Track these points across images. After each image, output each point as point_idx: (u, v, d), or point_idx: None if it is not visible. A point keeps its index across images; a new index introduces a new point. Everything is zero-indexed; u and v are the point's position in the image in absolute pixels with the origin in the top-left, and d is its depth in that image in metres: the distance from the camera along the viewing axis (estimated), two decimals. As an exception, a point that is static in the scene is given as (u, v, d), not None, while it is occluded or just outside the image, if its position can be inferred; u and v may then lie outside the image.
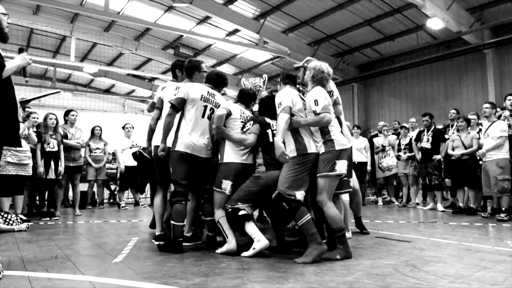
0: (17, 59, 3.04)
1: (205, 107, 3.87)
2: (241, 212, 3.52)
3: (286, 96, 3.58)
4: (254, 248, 3.49)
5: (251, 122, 3.86)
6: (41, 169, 6.24)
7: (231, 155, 3.79)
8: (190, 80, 4.10)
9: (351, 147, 3.74)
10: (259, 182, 3.64)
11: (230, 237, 3.66)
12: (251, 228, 3.54)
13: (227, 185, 3.73)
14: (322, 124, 3.47)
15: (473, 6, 11.05)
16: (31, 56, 3.13)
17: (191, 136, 3.79)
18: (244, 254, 3.52)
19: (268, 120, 3.88)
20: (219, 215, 3.73)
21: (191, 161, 3.80)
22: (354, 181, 4.39)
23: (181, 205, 3.75)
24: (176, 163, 3.78)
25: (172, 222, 3.77)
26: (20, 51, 3.12)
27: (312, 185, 3.53)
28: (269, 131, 3.81)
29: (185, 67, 4.18)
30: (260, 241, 3.48)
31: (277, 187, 3.44)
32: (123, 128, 8.72)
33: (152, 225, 5.02)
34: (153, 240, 4.25)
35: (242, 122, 3.93)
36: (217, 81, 4.10)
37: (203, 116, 3.86)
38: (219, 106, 3.92)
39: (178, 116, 3.86)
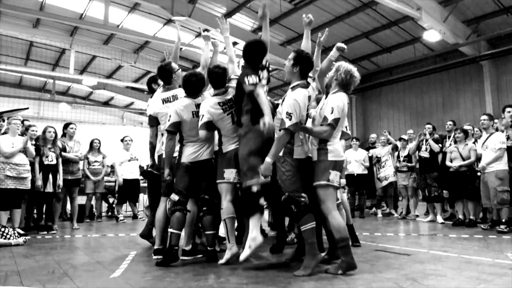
0: None
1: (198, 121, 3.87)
2: (262, 202, 3.52)
3: (297, 105, 3.36)
4: (250, 247, 3.47)
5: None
6: (39, 182, 6.22)
7: (226, 144, 3.85)
8: (170, 85, 4.25)
9: (344, 160, 3.65)
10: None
11: (232, 241, 3.67)
12: (256, 221, 3.52)
13: (230, 173, 3.74)
14: (321, 137, 3.44)
15: (469, 18, 11.17)
16: None
17: (194, 147, 3.89)
18: (241, 257, 3.52)
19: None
20: (227, 214, 3.70)
21: (195, 169, 3.86)
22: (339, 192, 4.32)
23: (181, 213, 3.78)
24: (181, 174, 3.87)
25: (170, 230, 3.78)
26: None
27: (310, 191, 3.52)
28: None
29: (160, 76, 4.30)
30: (256, 239, 3.46)
31: (284, 190, 3.41)
32: (122, 140, 8.71)
33: (144, 235, 4.97)
34: (153, 255, 4.21)
35: (225, 108, 3.82)
36: (196, 87, 4.00)
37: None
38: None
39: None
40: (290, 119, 3.32)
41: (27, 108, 3.35)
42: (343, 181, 4.66)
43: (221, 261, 3.68)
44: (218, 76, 3.91)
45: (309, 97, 3.59)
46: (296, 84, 3.53)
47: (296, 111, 3.34)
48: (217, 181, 3.80)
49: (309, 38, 4.10)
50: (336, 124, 3.40)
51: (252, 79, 3.60)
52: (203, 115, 3.76)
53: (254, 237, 3.46)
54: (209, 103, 3.83)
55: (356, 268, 3.29)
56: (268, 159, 3.35)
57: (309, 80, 3.76)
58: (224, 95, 3.90)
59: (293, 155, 3.46)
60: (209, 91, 4.40)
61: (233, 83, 3.99)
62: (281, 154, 3.44)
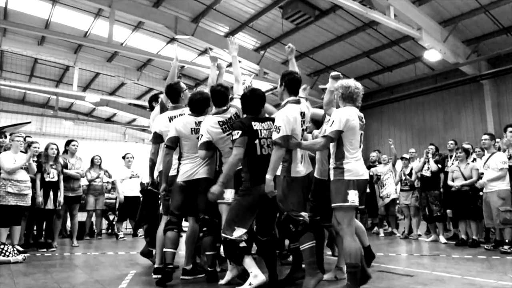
0: None
1: (198, 138, 3.85)
2: (242, 244, 3.44)
3: (285, 118, 3.40)
4: (250, 284, 3.36)
5: (238, 132, 3.54)
6: (40, 199, 6.20)
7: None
8: (177, 104, 4.27)
9: (367, 179, 3.44)
10: (247, 199, 3.51)
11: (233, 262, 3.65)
12: (249, 262, 3.45)
13: (230, 194, 3.71)
14: (313, 149, 3.43)
15: (469, 38, 11.28)
16: None
17: (190, 165, 3.88)
18: None
19: (255, 125, 3.63)
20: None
21: (190, 188, 3.84)
22: None
23: (173, 232, 3.80)
24: (175, 194, 3.88)
25: (164, 249, 3.78)
26: None
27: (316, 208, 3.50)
28: (256, 141, 3.58)
29: (168, 94, 4.30)
30: (257, 276, 3.36)
31: (282, 209, 3.40)
32: (123, 158, 8.72)
33: (145, 253, 4.93)
34: (152, 274, 4.16)
35: (224, 128, 3.81)
36: (200, 105, 4.02)
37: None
38: None
39: (177, 150, 3.96)
40: (278, 132, 3.35)
41: (29, 123, 3.35)
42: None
43: (222, 282, 3.65)
44: (220, 94, 3.91)
45: (303, 113, 3.61)
46: (286, 101, 3.60)
47: (285, 125, 3.37)
48: (218, 201, 3.76)
49: (294, 64, 4.18)
50: (335, 136, 3.29)
51: (235, 135, 3.58)
52: (202, 135, 3.76)
53: (255, 275, 3.37)
54: (209, 122, 3.82)
55: None
56: (267, 176, 3.33)
57: (302, 99, 3.80)
58: (224, 113, 3.89)
59: (291, 173, 3.46)
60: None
61: (235, 102, 4.01)
62: (279, 173, 3.43)
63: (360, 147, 3.42)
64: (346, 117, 3.31)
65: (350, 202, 3.23)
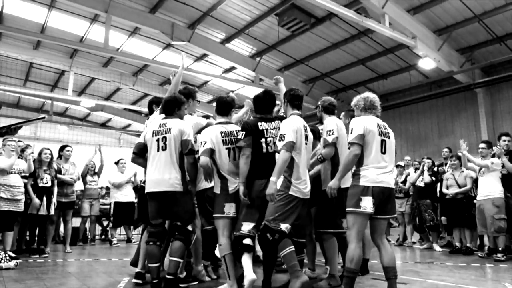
0: None
1: (157, 140, 3.74)
2: (246, 241, 3.47)
3: (290, 127, 3.51)
4: (243, 286, 3.41)
5: (242, 133, 3.66)
6: (36, 200, 6.12)
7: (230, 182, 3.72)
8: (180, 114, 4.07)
9: (387, 187, 3.38)
10: (249, 193, 3.57)
11: (232, 278, 3.54)
12: (246, 260, 3.46)
13: (230, 208, 3.65)
14: (349, 164, 3.42)
15: (463, 47, 11.39)
16: None
17: (153, 174, 3.72)
18: None
19: (262, 125, 3.72)
20: (225, 250, 3.56)
21: (160, 198, 3.68)
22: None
23: (151, 246, 3.67)
24: (148, 204, 3.79)
25: (148, 264, 3.73)
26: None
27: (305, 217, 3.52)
28: (262, 140, 3.66)
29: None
30: (247, 276, 3.38)
31: (264, 218, 3.43)
32: (116, 163, 8.64)
33: (134, 263, 4.83)
34: (133, 278, 4.14)
35: (224, 140, 3.78)
36: (168, 107, 3.91)
37: (158, 150, 3.73)
38: (170, 130, 3.72)
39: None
40: (284, 140, 3.43)
41: (44, 118, 3.22)
42: None
43: None
44: (224, 103, 3.97)
45: (305, 127, 3.72)
46: (291, 114, 3.76)
47: (289, 133, 3.45)
48: (215, 215, 3.69)
49: (282, 91, 4.33)
50: (359, 141, 3.35)
51: (240, 136, 3.69)
52: (205, 142, 3.69)
53: (245, 275, 3.40)
54: (214, 130, 3.80)
55: None
56: (272, 178, 3.37)
57: None
58: (226, 125, 3.88)
59: (289, 190, 3.48)
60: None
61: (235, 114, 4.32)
62: (279, 186, 3.44)
63: (384, 153, 3.41)
64: (364, 123, 3.41)
65: (362, 208, 3.25)
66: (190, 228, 3.73)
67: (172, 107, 3.90)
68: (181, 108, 3.93)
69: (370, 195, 3.25)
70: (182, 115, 3.96)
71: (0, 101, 17.55)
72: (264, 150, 3.63)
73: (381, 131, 3.47)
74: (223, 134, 3.78)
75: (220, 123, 3.89)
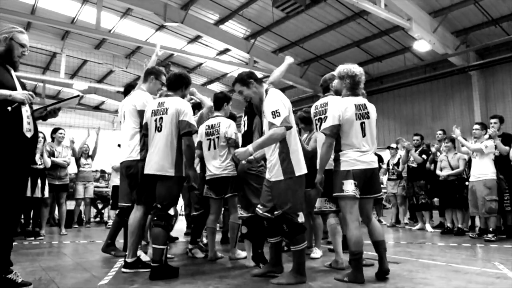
0: (17, 92, 2.98)
1: (155, 121, 3.64)
2: (242, 230, 3.92)
3: (281, 101, 3.29)
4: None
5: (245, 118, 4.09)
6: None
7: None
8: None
9: (369, 168, 3.36)
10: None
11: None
12: (246, 245, 3.67)
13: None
14: (323, 152, 3.41)
15: (458, 29, 11.35)
16: (32, 95, 3.05)
17: (149, 156, 3.64)
18: None
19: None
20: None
21: (151, 180, 3.60)
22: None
23: (156, 228, 3.50)
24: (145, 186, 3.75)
25: (153, 245, 3.52)
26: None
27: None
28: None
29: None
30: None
31: (279, 207, 3.27)
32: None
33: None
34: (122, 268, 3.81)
35: (207, 132, 4.42)
36: (176, 82, 3.79)
37: (156, 130, 3.63)
38: (167, 110, 3.60)
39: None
40: (280, 116, 3.19)
41: (78, 96, 3.04)
42: None
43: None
44: (217, 99, 4.55)
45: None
46: (266, 89, 3.49)
47: (283, 108, 3.26)
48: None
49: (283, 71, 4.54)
50: (331, 132, 3.32)
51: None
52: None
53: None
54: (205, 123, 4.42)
55: (363, 283, 3.21)
56: (249, 147, 3.19)
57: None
58: (214, 118, 4.42)
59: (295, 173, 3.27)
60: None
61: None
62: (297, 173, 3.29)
63: (364, 136, 3.38)
64: (341, 111, 3.33)
65: (345, 192, 3.29)
66: (172, 212, 3.59)
67: (180, 84, 3.79)
68: (188, 87, 3.90)
69: (351, 178, 3.29)
70: (186, 93, 3.92)
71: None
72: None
73: (360, 113, 3.38)
74: (207, 127, 4.41)
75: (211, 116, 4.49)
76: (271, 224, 3.43)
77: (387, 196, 8.70)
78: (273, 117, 3.18)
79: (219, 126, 4.36)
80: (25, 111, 3.00)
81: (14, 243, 5.21)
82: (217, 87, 16.96)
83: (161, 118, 3.60)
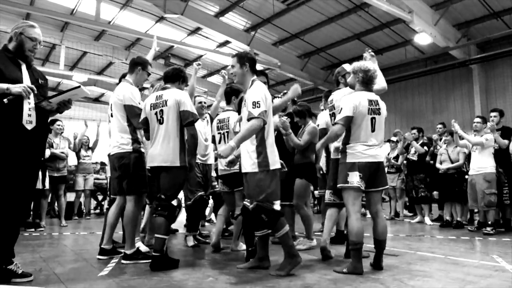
0: (15, 85, 2.92)
1: (156, 114, 3.66)
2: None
3: (264, 95, 3.30)
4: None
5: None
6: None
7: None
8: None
9: (375, 161, 3.43)
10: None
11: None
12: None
13: None
14: (331, 140, 3.61)
15: (459, 22, 11.29)
16: (32, 88, 2.98)
17: (151, 148, 3.68)
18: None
19: None
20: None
21: (156, 172, 3.66)
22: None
23: (158, 218, 3.55)
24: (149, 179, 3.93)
25: (155, 235, 3.57)
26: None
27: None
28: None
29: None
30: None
31: (252, 199, 3.30)
32: None
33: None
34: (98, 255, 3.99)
35: (218, 126, 4.46)
36: (174, 76, 3.84)
37: (158, 123, 3.66)
38: (166, 102, 3.63)
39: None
40: (259, 107, 3.20)
41: (79, 87, 2.97)
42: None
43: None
44: (226, 94, 4.55)
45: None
46: (253, 79, 3.48)
47: (263, 100, 3.27)
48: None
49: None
50: (345, 123, 3.38)
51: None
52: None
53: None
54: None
55: (361, 274, 3.25)
56: (231, 142, 3.17)
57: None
58: (224, 113, 4.43)
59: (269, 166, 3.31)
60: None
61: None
62: (250, 169, 3.30)
63: (373, 131, 3.44)
64: (355, 103, 3.39)
65: (350, 183, 3.36)
66: (175, 203, 3.61)
67: (177, 77, 3.84)
68: (185, 82, 3.94)
69: (356, 170, 3.36)
70: (182, 88, 3.91)
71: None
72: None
73: (372, 108, 3.45)
74: (218, 121, 4.44)
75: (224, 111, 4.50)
76: (249, 216, 3.41)
77: (386, 189, 8.70)
78: (252, 107, 3.22)
79: (228, 121, 4.36)
80: (27, 103, 2.97)
81: (14, 234, 5.25)
82: (217, 79, 16.91)
83: (161, 110, 3.64)
